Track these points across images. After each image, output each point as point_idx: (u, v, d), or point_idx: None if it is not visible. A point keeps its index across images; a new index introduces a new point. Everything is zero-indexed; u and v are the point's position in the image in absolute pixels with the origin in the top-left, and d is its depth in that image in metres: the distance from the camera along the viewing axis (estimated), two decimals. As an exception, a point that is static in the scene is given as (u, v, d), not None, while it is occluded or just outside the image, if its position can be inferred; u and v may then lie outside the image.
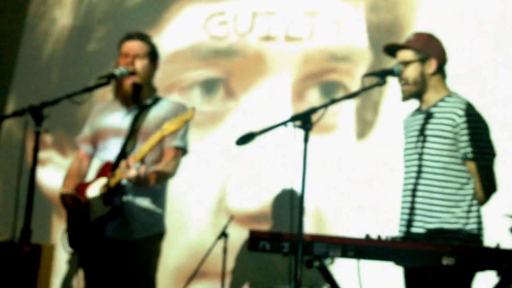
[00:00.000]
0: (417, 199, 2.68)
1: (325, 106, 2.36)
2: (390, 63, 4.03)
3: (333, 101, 2.41)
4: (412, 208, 2.69)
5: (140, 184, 2.70)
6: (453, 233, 2.60)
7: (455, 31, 3.96)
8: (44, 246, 3.74)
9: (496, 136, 2.71)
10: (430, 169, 2.67)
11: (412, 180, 2.71)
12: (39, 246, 3.70)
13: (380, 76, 2.59)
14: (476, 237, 2.63)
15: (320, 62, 4.30)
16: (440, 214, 2.62)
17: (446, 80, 2.79)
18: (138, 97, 2.97)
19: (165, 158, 2.91)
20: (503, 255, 2.24)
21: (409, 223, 2.69)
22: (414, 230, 2.66)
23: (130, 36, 3.02)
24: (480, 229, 2.66)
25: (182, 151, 2.95)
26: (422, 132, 2.72)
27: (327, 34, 4.31)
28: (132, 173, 2.62)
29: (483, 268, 2.29)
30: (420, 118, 2.77)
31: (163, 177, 2.86)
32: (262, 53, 4.44)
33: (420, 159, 2.70)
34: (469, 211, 2.64)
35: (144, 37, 3.04)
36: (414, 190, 2.70)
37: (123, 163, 2.65)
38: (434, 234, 2.61)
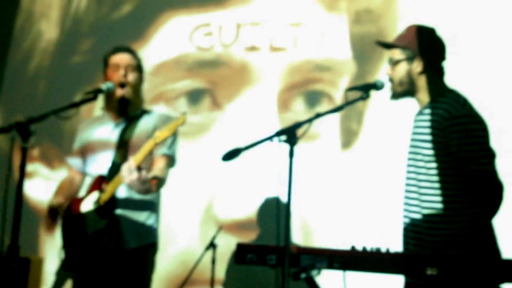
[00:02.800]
0: (414, 207, 2.58)
1: (309, 120, 2.37)
2: (374, 74, 4.13)
3: (318, 116, 2.41)
4: (412, 214, 2.60)
5: (142, 189, 2.66)
6: (450, 243, 2.46)
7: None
8: (32, 260, 3.72)
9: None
10: (425, 176, 2.55)
11: (411, 188, 2.61)
12: (27, 259, 3.69)
13: (363, 90, 2.58)
14: (477, 245, 2.45)
15: (304, 72, 4.34)
16: (437, 223, 2.50)
17: (443, 77, 2.64)
18: (126, 111, 2.99)
19: (156, 165, 2.90)
20: (485, 264, 2.25)
21: (411, 228, 2.59)
22: (413, 237, 2.58)
23: (119, 49, 3.05)
24: (480, 235, 2.48)
25: (170, 160, 2.96)
26: (416, 135, 2.62)
27: (311, 45, 4.36)
28: (134, 176, 2.58)
29: (466, 277, 2.31)
30: (416, 119, 2.66)
31: (161, 183, 2.86)
32: (247, 64, 4.48)
33: (416, 166, 2.59)
34: (468, 219, 2.47)
35: (132, 51, 3.08)
36: (413, 198, 2.60)
37: (125, 166, 2.61)
38: (432, 244, 2.50)
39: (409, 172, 2.66)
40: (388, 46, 2.73)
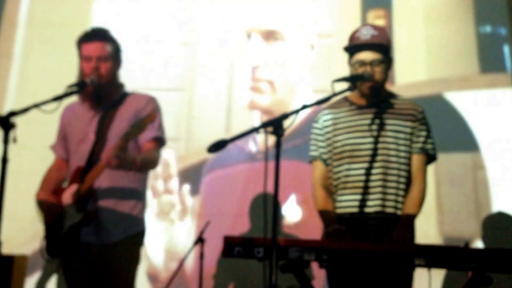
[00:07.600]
0: (374, 183, 2.67)
1: (296, 112, 2.36)
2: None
3: (304, 107, 2.39)
4: (367, 188, 2.68)
5: (124, 166, 2.67)
6: (397, 219, 2.64)
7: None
8: (16, 258, 3.65)
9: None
10: (389, 164, 2.68)
11: (370, 170, 2.70)
12: (10, 257, 3.61)
13: (350, 81, 2.60)
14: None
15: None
16: (393, 201, 2.66)
17: None
18: (100, 97, 2.90)
19: (145, 149, 2.86)
20: (473, 254, 2.30)
21: (364, 203, 2.67)
22: (368, 210, 2.66)
23: (88, 37, 2.90)
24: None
25: (160, 142, 2.91)
26: (380, 125, 2.70)
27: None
28: (115, 162, 2.59)
29: (453, 267, 2.33)
30: (371, 111, 2.74)
31: (147, 162, 2.82)
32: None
33: (380, 153, 2.68)
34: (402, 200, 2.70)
35: (103, 35, 2.92)
36: (369, 174, 2.68)
37: (106, 152, 2.62)
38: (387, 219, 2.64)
39: (363, 156, 2.70)
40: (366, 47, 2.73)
